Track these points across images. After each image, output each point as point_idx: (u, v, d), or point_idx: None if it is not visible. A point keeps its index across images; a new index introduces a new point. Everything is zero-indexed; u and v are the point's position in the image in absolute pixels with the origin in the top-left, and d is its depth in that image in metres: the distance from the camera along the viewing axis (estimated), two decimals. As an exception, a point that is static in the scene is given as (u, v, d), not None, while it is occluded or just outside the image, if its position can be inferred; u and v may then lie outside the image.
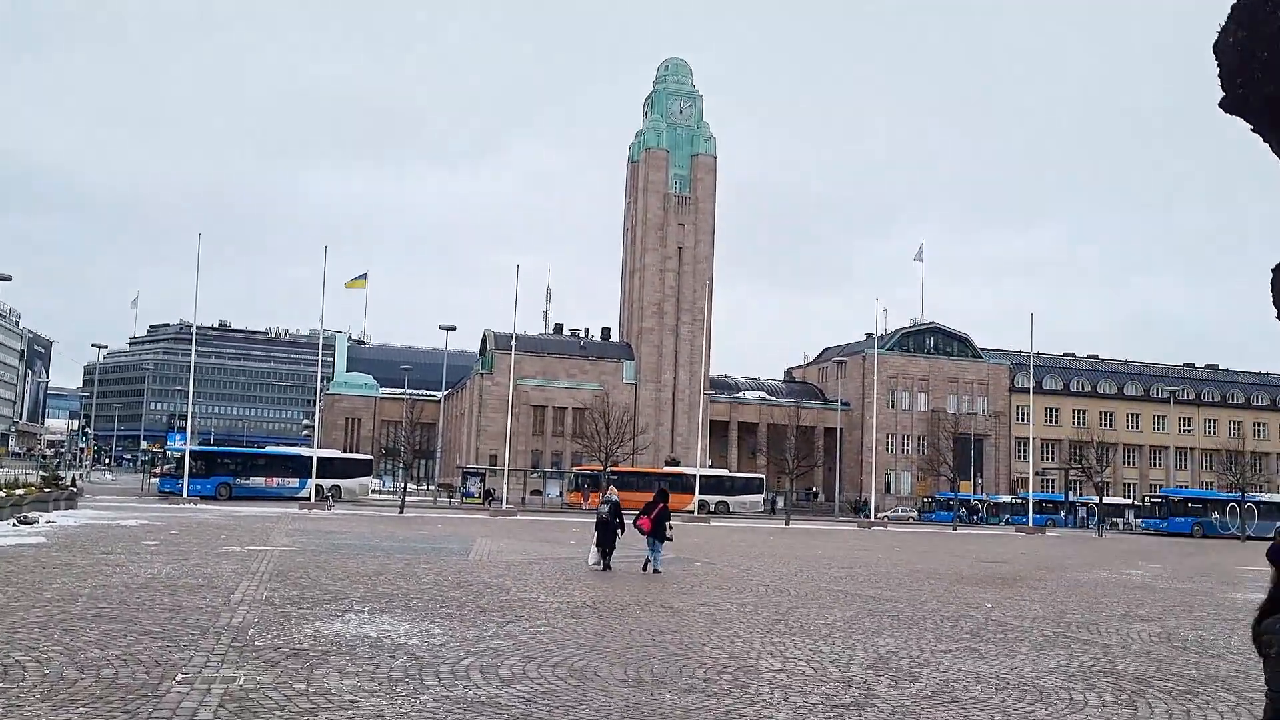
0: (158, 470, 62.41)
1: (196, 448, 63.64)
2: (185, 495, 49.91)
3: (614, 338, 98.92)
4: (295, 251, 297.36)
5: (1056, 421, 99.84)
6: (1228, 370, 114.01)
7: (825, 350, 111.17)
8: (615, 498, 21.51)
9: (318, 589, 15.24)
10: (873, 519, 63.13)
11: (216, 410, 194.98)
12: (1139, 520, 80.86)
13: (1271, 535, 69.16)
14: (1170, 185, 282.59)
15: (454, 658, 9.89)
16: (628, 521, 20.82)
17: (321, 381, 76.76)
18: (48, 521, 28.57)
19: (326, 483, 56.32)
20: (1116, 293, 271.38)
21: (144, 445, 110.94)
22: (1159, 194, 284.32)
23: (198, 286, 50.92)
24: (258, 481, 57.36)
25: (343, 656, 9.67)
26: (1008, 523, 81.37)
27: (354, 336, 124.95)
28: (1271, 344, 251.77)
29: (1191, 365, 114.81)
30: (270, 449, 68.87)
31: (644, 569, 20.28)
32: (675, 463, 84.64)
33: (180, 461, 52.94)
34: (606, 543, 20.56)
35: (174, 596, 13.57)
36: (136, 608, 12.33)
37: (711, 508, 64.99)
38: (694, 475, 70.48)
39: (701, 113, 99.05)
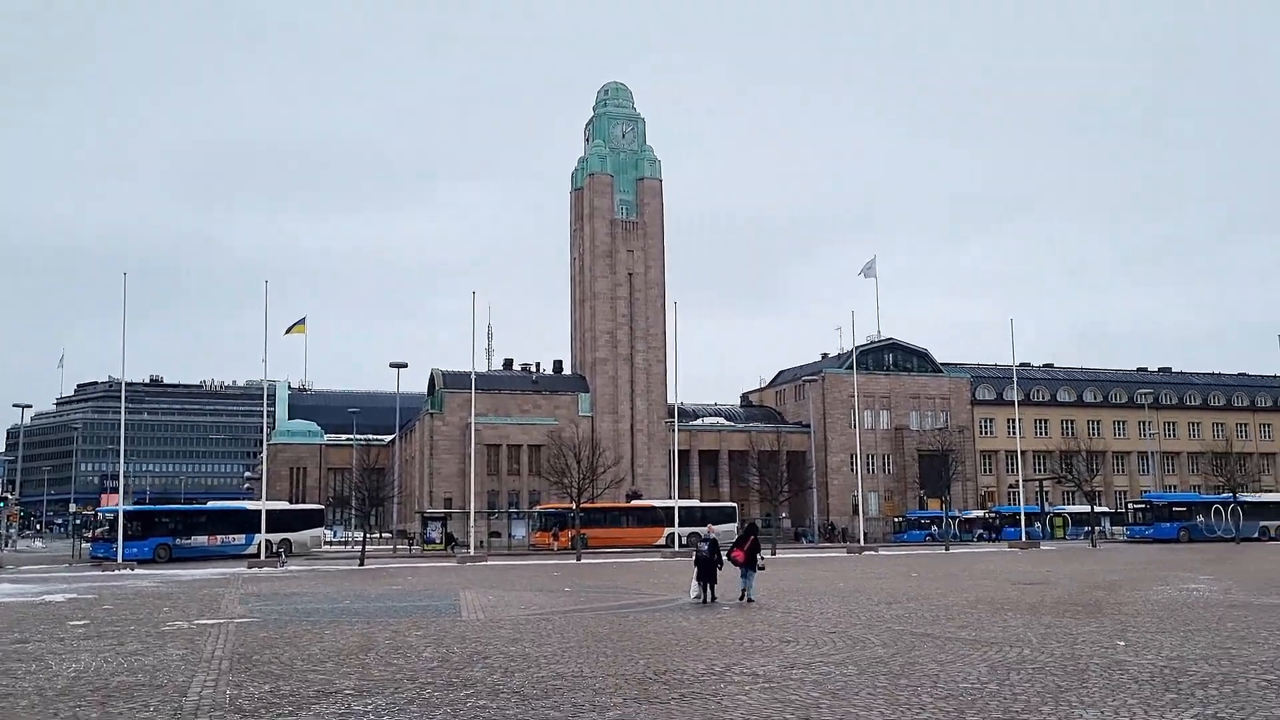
0: (89, 534, 57.58)
1: (131, 507, 59.03)
2: (120, 560, 45.49)
3: (566, 370, 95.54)
4: (224, 304, 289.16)
5: (1046, 432, 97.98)
6: (1202, 373, 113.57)
7: (781, 373, 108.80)
8: (714, 535, 23.32)
9: (296, 679, 11.77)
10: (862, 544, 60.14)
11: (152, 469, 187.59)
12: (1117, 528, 79.18)
13: (1256, 536, 68.03)
14: (1102, 197, 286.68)
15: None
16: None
17: (265, 432, 72.22)
18: (-44, 602, 24.48)
19: (275, 537, 52.11)
20: (1057, 304, 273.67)
21: (73, 508, 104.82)
22: (1091, 206, 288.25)
23: (125, 332, 46.72)
24: (200, 540, 52.98)
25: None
26: (981, 538, 79.17)
27: (294, 384, 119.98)
28: (1220, 346, 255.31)
29: (1145, 370, 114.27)
30: (212, 505, 64.27)
31: (740, 599, 21.72)
32: (637, 495, 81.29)
33: (113, 524, 48.45)
34: (708, 577, 22.04)
35: (105, 708, 10.05)
36: (52, 731, 8.85)
37: (684, 541, 61.61)
38: (664, 508, 67.30)
39: (644, 136, 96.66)
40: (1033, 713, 9.16)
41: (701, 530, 32.59)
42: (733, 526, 71.70)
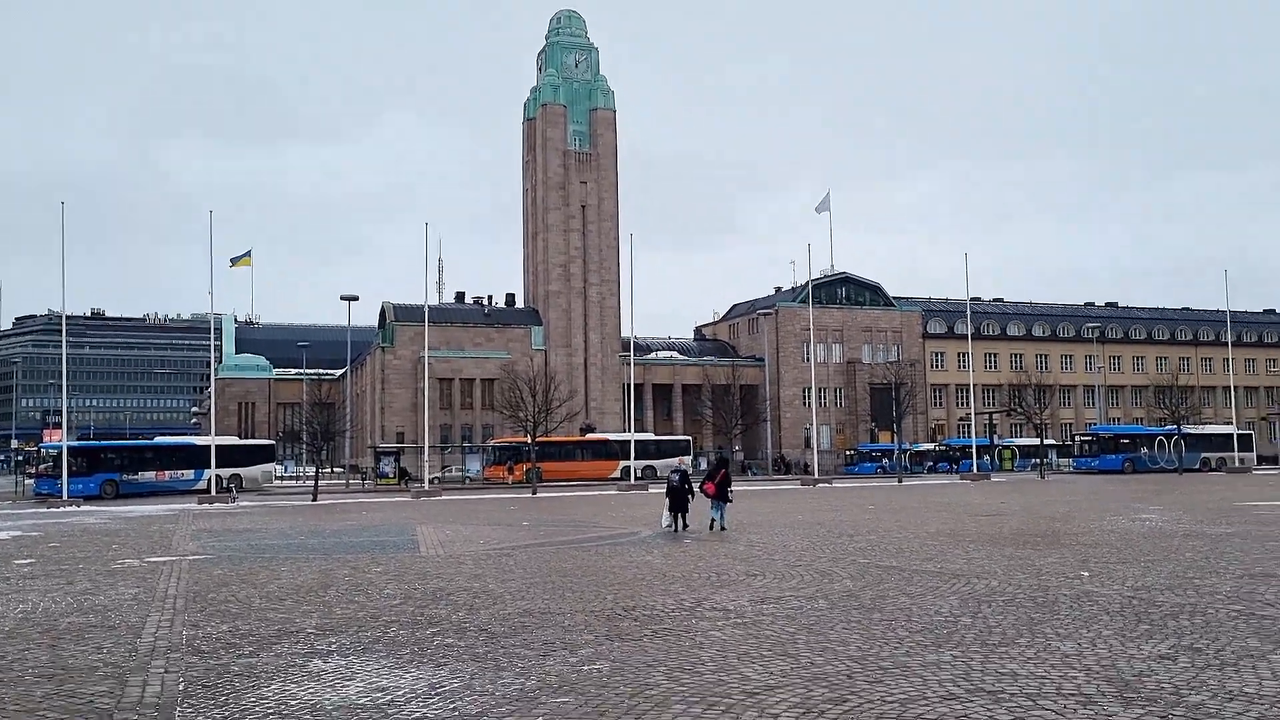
0: (33, 471, 56.40)
1: (75, 443, 57.89)
2: (65, 497, 44.61)
3: (519, 304, 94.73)
4: (167, 236, 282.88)
5: (996, 366, 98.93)
6: (1147, 308, 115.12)
7: (735, 306, 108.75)
8: (685, 467, 24.94)
9: (255, 618, 11.44)
10: (816, 476, 60.62)
11: (95, 404, 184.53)
12: (1064, 460, 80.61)
13: (1198, 467, 69.61)
14: (1034, 136, 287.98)
15: (512, 738, 6.36)
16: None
17: (213, 365, 70.92)
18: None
19: (225, 472, 51.39)
20: (992, 240, 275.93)
21: (15, 445, 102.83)
22: (1024, 145, 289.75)
23: (64, 263, 45.25)
24: (148, 476, 52.15)
25: (341, 756, 6.03)
26: (931, 470, 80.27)
27: (241, 318, 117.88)
28: (1157, 282, 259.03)
29: (1092, 304, 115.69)
30: (159, 440, 63.29)
31: (710, 529, 22.57)
32: (591, 429, 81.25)
33: (57, 460, 47.43)
34: (680, 507, 23.03)
35: (55, 650, 9.64)
36: (-1, 676, 8.46)
37: (638, 474, 61.73)
38: (619, 441, 67.29)
39: (598, 66, 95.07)
40: (1010, 645, 9.07)
41: (672, 462, 34.00)
42: (687, 459, 72.18)
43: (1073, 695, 7.15)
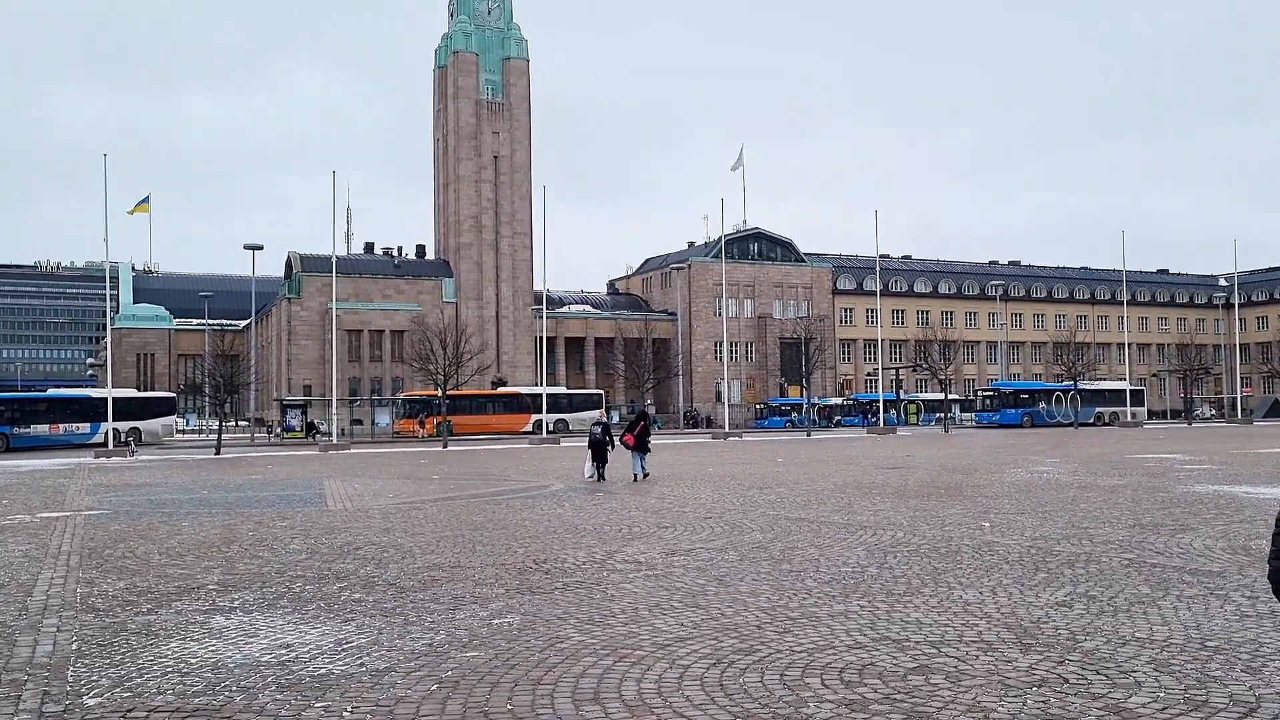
0: (-84, 424, 54.08)
1: (-38, 395, 55.69)
2: (-48, 450, 42.95)
3: (430, 255, 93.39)
4: (58, 183, 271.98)
5: (903, 322, 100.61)
6: (1049, 267, 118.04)
7: (648, 260, 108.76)
8: (605, 420, 26.38)
9: (154, 574, 11.11)
10: (726, 430, 61.21)
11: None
12: (967, 415, 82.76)
13: (1093, 421, 72.12)
14: (939, 101, 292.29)
15: (421, 692, 6.27)
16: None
17: (109, 315, 68.57)
18: None
19: (124, 426, 50.02)
20: (902, 202, 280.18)
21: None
22: (928, 114, 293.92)
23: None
24: (40, 429, 50.48)
25: (245, 716, 5.88)
26: (839, 424, 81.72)
27: (139, 266, 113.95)
28: (1059, 244, 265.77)
29: (996, 263, 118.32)
30: (53, 392, 61.23)
31: (634, 480, 23.33)
32: (502, 382, 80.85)
33: (-57, 412, 45.59)
34: (600, 458, 23.94)
35: (-60, 609, 9.25)
36: (-122, 637, 8.08)
37: (550, 427, 61.68)
38: (531, 395, 67.12)
39: (511, 13, 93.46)
40: (915, 594, 9.25)
41: (584, 416, 35.38)
42: (599, 413, 72.29)
43: (974, 642, 7.32)
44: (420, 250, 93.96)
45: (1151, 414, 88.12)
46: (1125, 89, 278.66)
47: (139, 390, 72.01)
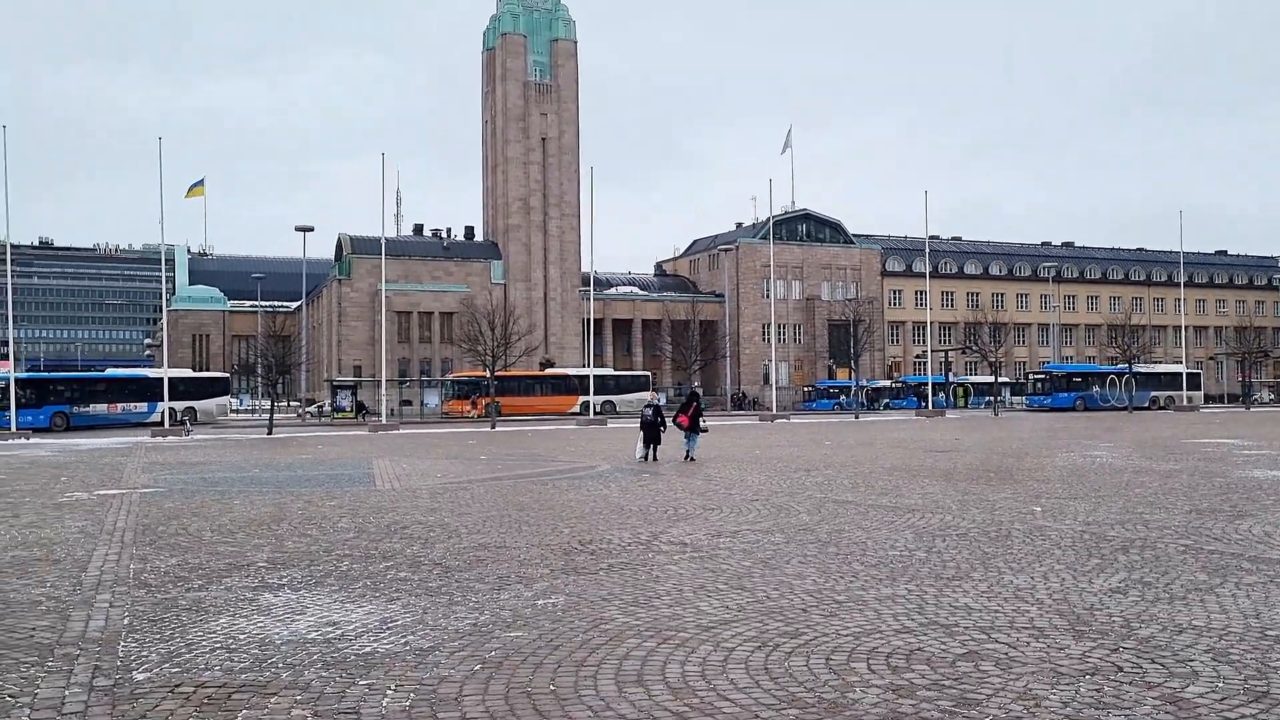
0: (-20, 402, 55.45)
1: (24, 374, 56.97)
2: (14, 429, 43.93)
3: (479, 237, 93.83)
4: (117, 165, 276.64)
5: (952, 304, 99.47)
6: (1103, 248, 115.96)
7: (695, 242, 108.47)
8: (657, 401, 26.35)
9: (205, 551, 11.26)
10: (774, 412, 60.96)
11: (45, 335, 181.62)
12: (1017, 398, 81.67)
13: (1147, 405, 70.81)
14: (990, 83, 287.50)
15: (464, 672, 6.27)
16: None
17: (164, 297, 69.76)
18: None
19: (179, 405, 50.86)
20: (952, 181, 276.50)
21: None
22: (980, 93, 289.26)
23: (6, 187, 44.03)
24: (99, 409, 51.50)
25: (290, 693, 5.92)
26: (887, 407, 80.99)
27: (194, 249, 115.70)
28: (1111, 224, 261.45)
29: (1049, 244, 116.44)
30: (111, 372, 62.37)
31: (686, 459, 23.57)
32: (550, 364, 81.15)
33: (5, 391, 46.62)
34: (653, 439, 24.10)
35: (-3, 584, 9.44)
36: (-63, 610, 8.25)
37: (597, 408, 61.81)
38: (578, 376, 67.27)
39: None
40: (964, 579, 9.11)
41: (631, 398, 35.05)
42: (647, 395, 72.27)
43: (1026, 629, 7.19)
44: (469, 232, 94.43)
45: (1208, 398, 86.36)
46: (1182, 61, 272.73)
47: (194, 370, 73.25)
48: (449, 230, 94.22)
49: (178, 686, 6.03)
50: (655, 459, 23.84)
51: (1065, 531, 11.98)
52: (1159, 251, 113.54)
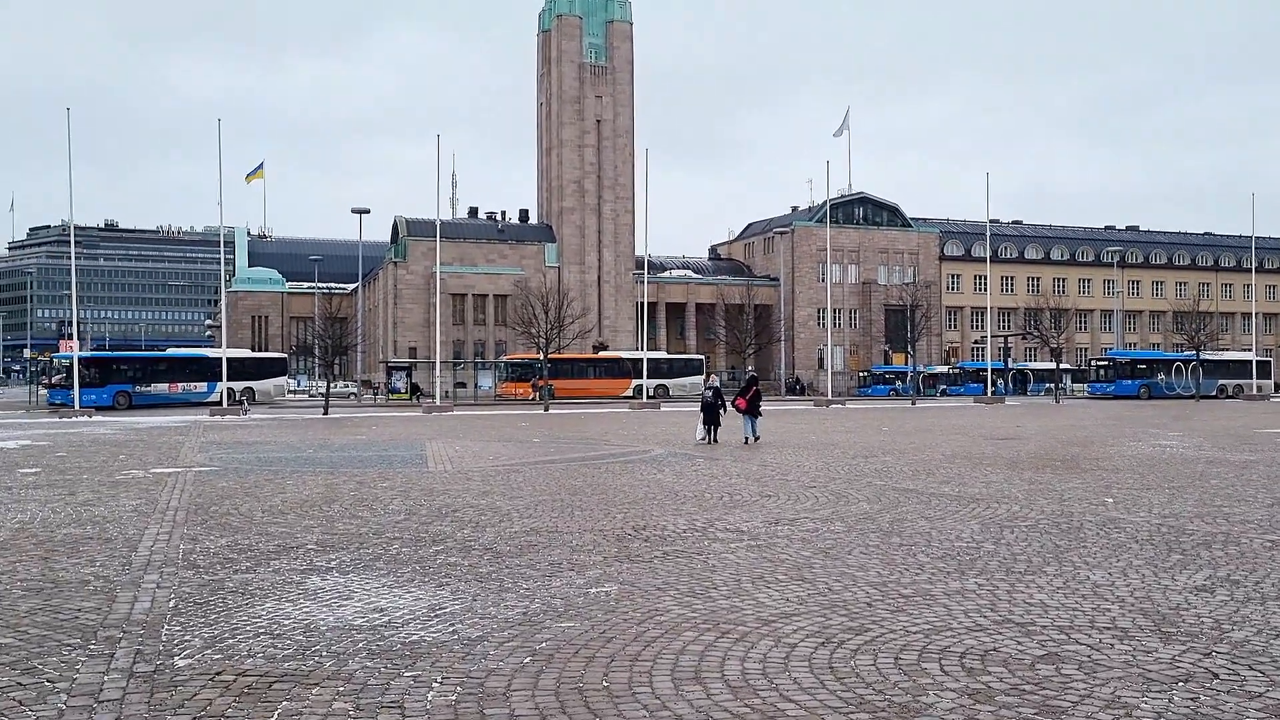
0: (47, 381, 56.58)
1: (89, 354, 57.96)
2: (78, 406, 44.69)
3: (533, 220, 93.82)
4: (179, 148, 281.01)
5: (1012, 289, 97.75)
6: (1169, 232, 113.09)
7: (750, 225, 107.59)
8: (717, 383, 26.57)
9: (255, 531, 11.14)
10: (829, 397, 60.28)
11: (110, 315, 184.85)
12: (1078, 385, 79.96)
13: (1215, 394, 68.94)
14: (1051, 56, 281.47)
15: (513, 664, 5.99)
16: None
17: (224, 279, 70.64)
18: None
19: (238, 385, 51.43)
20: (1012, 162, 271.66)
21: (29, 354, 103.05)
22: (1041, 67, 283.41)
23: (71, 169, 44.67)
24: (160, 388, 52.25)
25: (333, 683, 5.68)
26: (944, 393, 79.75)
27: (254, 231, 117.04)
28: (1178, 205, 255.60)
29: (1112, 228, 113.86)
30: (172, 351, 63.30)
31: (745, 443, 23.84)
32: (603, 347, 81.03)
33: (70, 370, 47.43)
34: (713, 421, 24.54)
35: (47, 562, 9.35)
36: (-14, 589, 8.16)
37: (650, 392, 61.52)
38: (631, 359, 67.03)
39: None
40: (1037, 573, 8.68)
41: (684, 382, 34.77)
42: (700, 379, 71.86)
43: (1108, 629, 6.76)
44: (523, 215, 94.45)
45: (1278, 387, 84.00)
46: (1253, 32, 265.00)
47: (252, 351, 74.15)
48: (503, 213, 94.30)
49: (218, 674, 5.82)
50: (715, 440, 24.20)
51: (1141, 524, 11.46)
52: (1228, 236, 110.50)
